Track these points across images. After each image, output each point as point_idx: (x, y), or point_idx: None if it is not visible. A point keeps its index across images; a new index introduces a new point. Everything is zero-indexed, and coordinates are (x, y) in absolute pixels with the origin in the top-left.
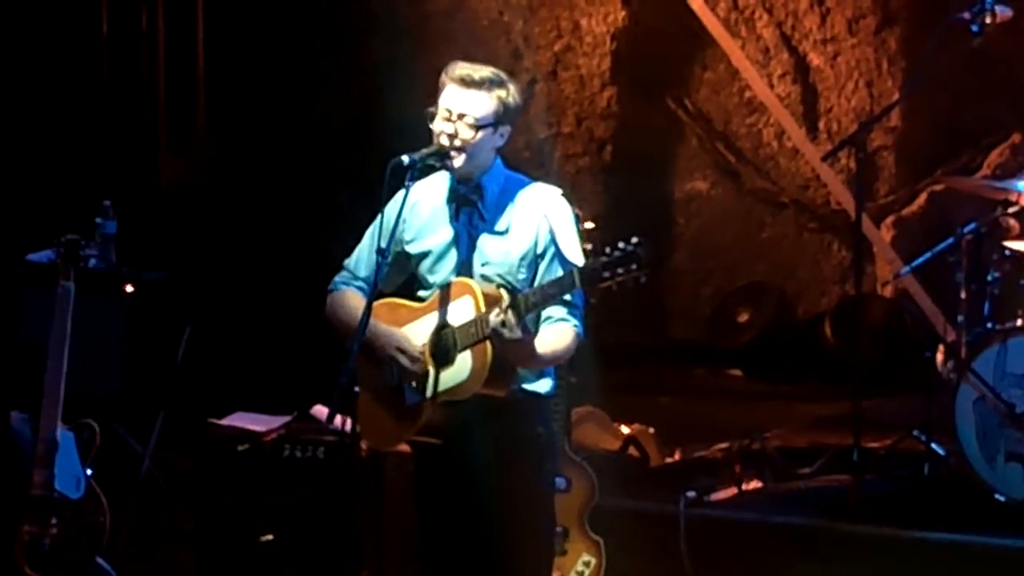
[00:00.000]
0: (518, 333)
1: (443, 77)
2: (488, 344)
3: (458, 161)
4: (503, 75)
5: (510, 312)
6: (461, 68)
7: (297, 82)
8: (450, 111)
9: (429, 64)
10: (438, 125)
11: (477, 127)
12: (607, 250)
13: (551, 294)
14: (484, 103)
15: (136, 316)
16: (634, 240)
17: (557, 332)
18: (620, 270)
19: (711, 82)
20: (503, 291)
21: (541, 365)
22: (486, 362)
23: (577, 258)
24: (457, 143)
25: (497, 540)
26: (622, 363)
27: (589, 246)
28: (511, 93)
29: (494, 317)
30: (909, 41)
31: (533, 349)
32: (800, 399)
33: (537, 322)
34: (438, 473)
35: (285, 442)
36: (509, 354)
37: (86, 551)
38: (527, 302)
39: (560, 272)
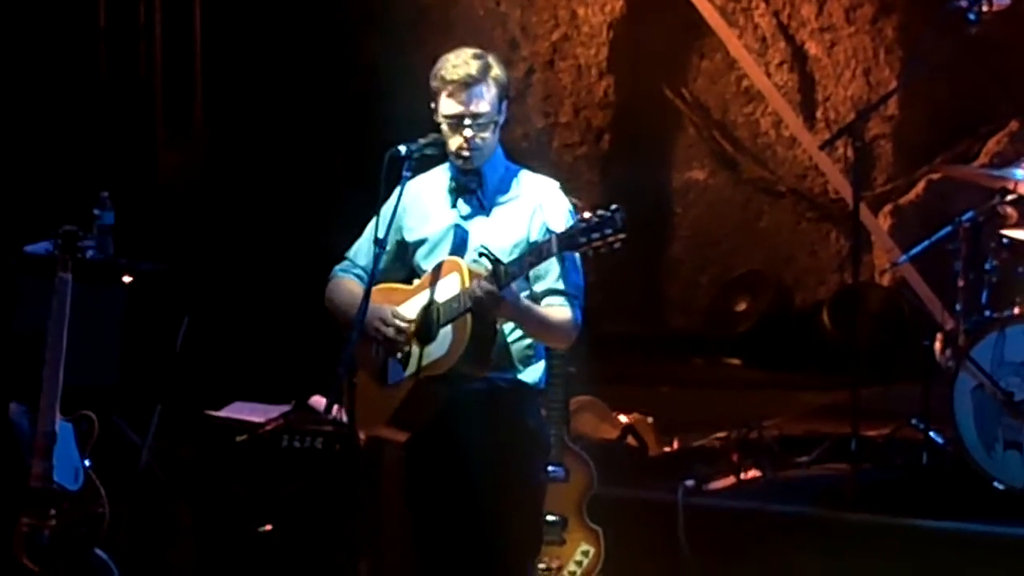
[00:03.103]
0: (496, 293)
1: (436, 83)
2: (468, 317)
3: (477, 160)
4: (483, 52)
5: (489, 281)
6: (454, 69)
7: (294, 74)
8: (461, 116)
9: (426, 56)
10: (451, 133)
11: (492, 122)
12: (585, 215)
13: (531, 262)
14: (488, 96)
15: (134, 307)
16: (612, 207)
17: (551, 307)
18: (596, 235)
19: (708, 71)
20: (486, 261)
21: (531, 328)
22: (465, 335)
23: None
24: (478, 143)
25: (485, 530)
26: (620, 352)
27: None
28: (497, 68)
29: (474, 288)
30: (906, 29)
31: (519, 307)
32: (798, 388)
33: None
34: (428, 464)
35: (283, 432)
36: (495, 313)
37: (85, 542)
38: (507, 271)
39: (555, 261)
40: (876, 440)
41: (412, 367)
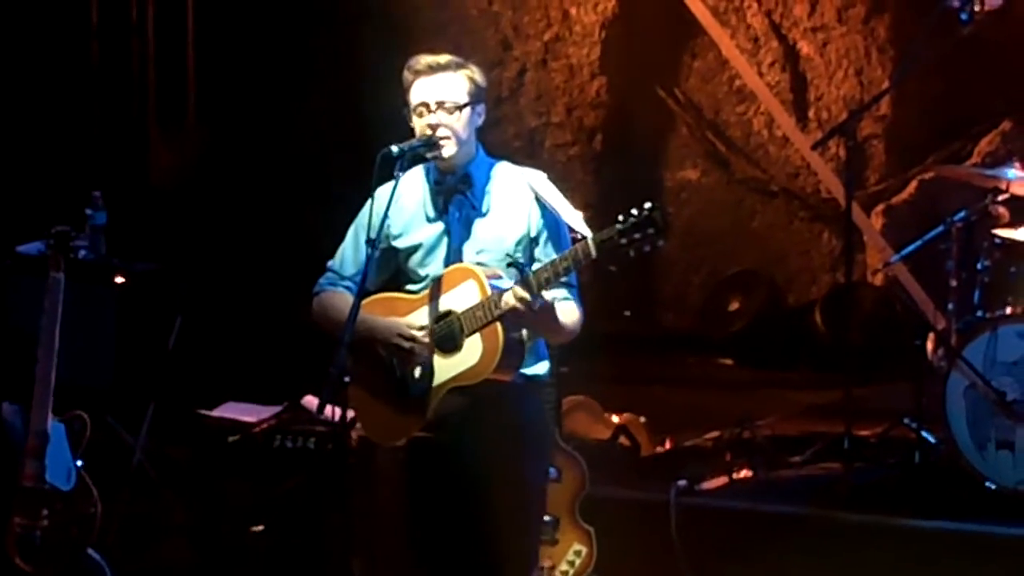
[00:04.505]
0: (533, 305)
1: (406, 74)
2: (499, 326)
3: (449, 149)
4: (460, 59)
5: (521, 291)
6: (423, 58)
7: (288, 73)
8: (427, 102)
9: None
10: (420, 122)
11: (458, 108)
12: (620, 218)
13: (564, 268)
14: (457, 84)
15: (127, 307)
16: (647, 205)
17: (564, 307)
18: (637, 235)
19: (701, 71)
20: (512, 270)
21: (546, 327)
22: (498, 345)
23: (585, 229)
24: (444, 132)
25: (492, 526)
26: (613, 352)
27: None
28: (474, 71)
29: (507, 298)
30: (898, 29)
31: (554, 316)
32: (791, 387)
33: None
34: (436, 462)
35: (276, 432)
36: (535, 328)
37: (77, 543)
38: (538, 279)
39: (554, 254)
40: (869, 440)
41: (439, 378)
